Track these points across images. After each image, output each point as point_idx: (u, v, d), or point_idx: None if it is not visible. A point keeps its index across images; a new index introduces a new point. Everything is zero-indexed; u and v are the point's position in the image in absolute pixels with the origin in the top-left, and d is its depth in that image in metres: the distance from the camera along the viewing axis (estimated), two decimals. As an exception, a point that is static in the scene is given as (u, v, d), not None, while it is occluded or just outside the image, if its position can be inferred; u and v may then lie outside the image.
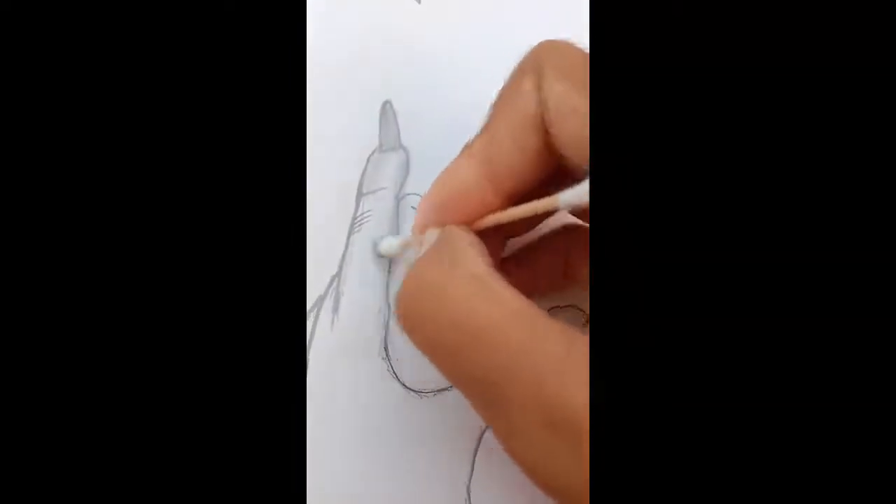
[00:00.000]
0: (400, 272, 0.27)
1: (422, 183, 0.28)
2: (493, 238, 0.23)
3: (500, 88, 0.22)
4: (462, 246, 0.20)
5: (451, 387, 0.27)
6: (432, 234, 0.22)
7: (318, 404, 0.25)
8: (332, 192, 0.27)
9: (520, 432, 0.16)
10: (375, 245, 0.26)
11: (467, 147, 0.22)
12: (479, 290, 0.18)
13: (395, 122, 0.28)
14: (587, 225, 0.21)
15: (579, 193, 0.18)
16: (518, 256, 0.25)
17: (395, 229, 0.27)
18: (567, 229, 0.25)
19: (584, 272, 0.24)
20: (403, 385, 0.26)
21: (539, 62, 0.20)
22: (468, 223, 0.22)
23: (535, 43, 0.21)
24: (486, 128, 0.21)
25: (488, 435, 0.27)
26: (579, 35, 0.27)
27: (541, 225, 0.25)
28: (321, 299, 0.26)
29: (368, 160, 0.28)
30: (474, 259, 0.19)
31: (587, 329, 0.17)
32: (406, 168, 0.28)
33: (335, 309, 0.26)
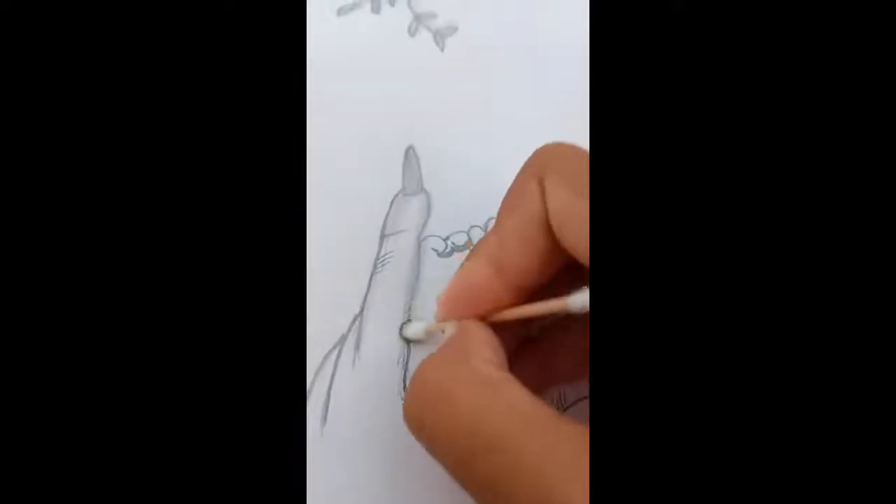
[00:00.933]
0: (419, 312, 0.28)
1: (442, 225, 0.28)
2: (512, 324, 0.23)
3: (506, 190, 0.22)
4: (473, 345, 0.20)
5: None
6: (451, 327, 0.22)
7: (338, 443, 0.26)
8: (356, 234, 0.28)
9: None
10: (401, 329, 0.27)
11: (478, 246, 0.23)
12: (489, 395, 0.18)
13: (417, 166, 0.29)
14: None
15: (588, 297, 0.19)
16: (542, 339, 0.25)
17: (416, 271, 0.28)
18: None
19: None
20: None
21: (543, 167, 0.21)
22: (484, 317, 0.22)
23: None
24: (495, 228, 0.22)
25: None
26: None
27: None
28: (343, 338, 0.27)
29: (392, 203, 0.28)
30: (484, 360, 0.19)
31: None
32: (427, 211, 0.28)
33: (357, 348, 0.27)
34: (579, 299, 0.19)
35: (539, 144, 0.27)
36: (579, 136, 0.28)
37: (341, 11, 0.31)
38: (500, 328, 0.22)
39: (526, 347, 0.25)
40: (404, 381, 0.27)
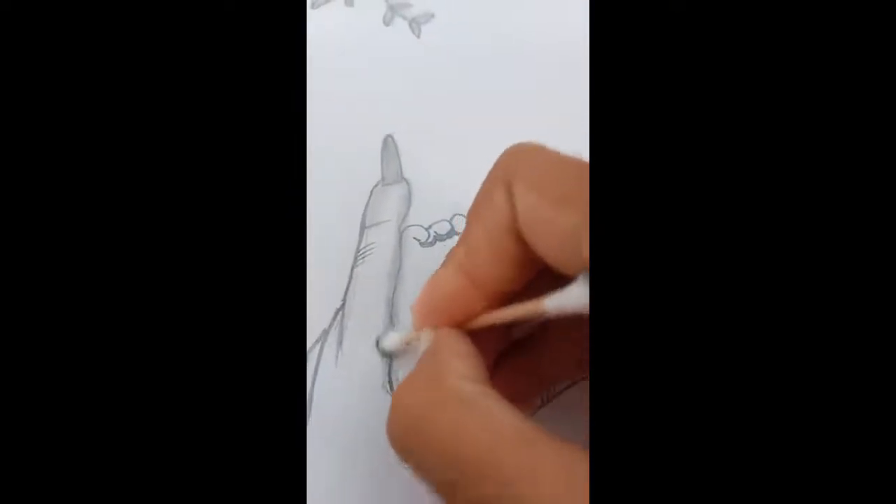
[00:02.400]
0: (403, 304, 0.27)
1: (424, 214, 0.28)
2: (492, 329, 0.23)
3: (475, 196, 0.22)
4: (447, 362, 0.19)
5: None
6: (427, 336, 0.22)
7: (323, 438, 0.25)
8: (336, 226, 0.27)
9: None
10: (377, 343, 0.26)
11: (448, 256, 0.22)
12: (466, 414, 0.17)
13: (396, 155, 0.28)
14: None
15: (565, 298, 0.18)
16: (525, 342, 0.24)
17: (399, 261, 0.27)
18: (583, 319, 0.24)
19: None
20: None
21: (509, 171, 0.20)
22: (460, 324, 0.22)
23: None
24: (464, 237, 0.22)
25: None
26: (577, 78, 0.27)
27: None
28: (325, 333, 0.26)
29: (371, 193, 0.28)
30: (459, 377, 0.19)
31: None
32: (408, 200, 0.28)
33: (339, 342, 0.26)
34: (555, 301, 0.18)
35: (517, 129, 0.26)
36: (557, 119, 0.28)
37: (314, 4, 0.31)
38: (480, 334, 0.22)
39: (510, 353, 0.24)
40: (389, 375, 0.26)
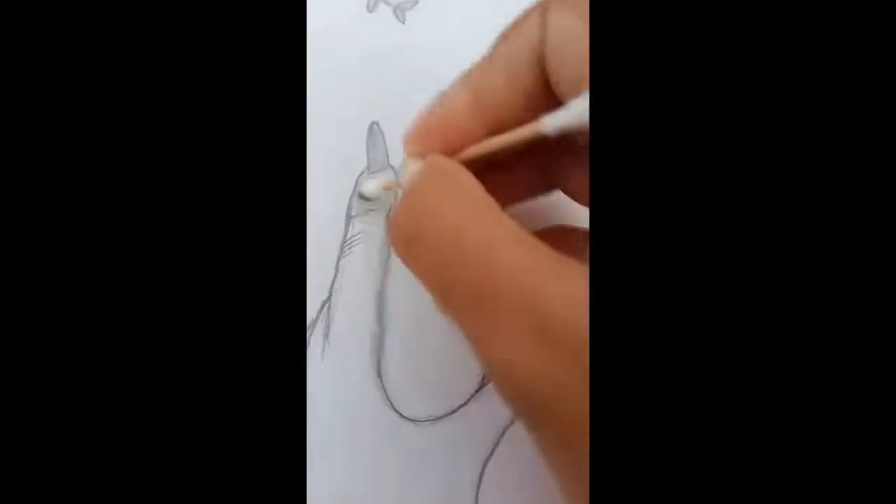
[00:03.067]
0: (392, 295, 0.26)
1: (412, 203, 0.27)
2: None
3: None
4: (460, 172, 0.20)
5: (447, 414, 0.26)
6: (413, 164, 0.21)
7: (311, 434, 0.24)
8: (321, 216, 0.26)
9: (505, 335, 0.16)
10: (358, 186, 0.25)
11: (463, 75, 0.21)
12: (480, 207, 0.18)
13: (382, 142, 0.27)
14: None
15: (564, 116, 0.18)
16: (493, 164, 0.24)
17: (386, 252, 0.26)
18: (563, 229, 0.24)
19: (569, 182, 0.24)
20: (399, 414, 0.25)
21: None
22: (450, 153, 0.21)
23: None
24: (485, 59, 0.21)
25: (491, 465, 0.26)
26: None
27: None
28: (311, 325, 0.25)
29: (357, 182, 0.27)
30: (472, 183, 0.19)
31: (585, 254, 0.16)
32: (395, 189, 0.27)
33: (326, 336, 0.25)
34: (550, 121, 0.18)
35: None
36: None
37: (296, -10, 0.30)
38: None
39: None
40: (378, 369, 0.25)
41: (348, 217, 0.27)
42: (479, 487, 0.26)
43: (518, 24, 0.20)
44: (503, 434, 0.26)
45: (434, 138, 0.21)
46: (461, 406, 0.26)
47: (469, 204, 0.18)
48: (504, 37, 0.21)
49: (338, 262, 0.26)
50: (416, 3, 0.29)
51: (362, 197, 0.25)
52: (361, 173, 0.27)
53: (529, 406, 0.16)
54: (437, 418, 0.25)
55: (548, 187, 0.24)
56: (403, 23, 0.29)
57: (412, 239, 0.19)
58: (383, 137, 0.27)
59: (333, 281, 0.26)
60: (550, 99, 0.20)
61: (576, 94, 0.18)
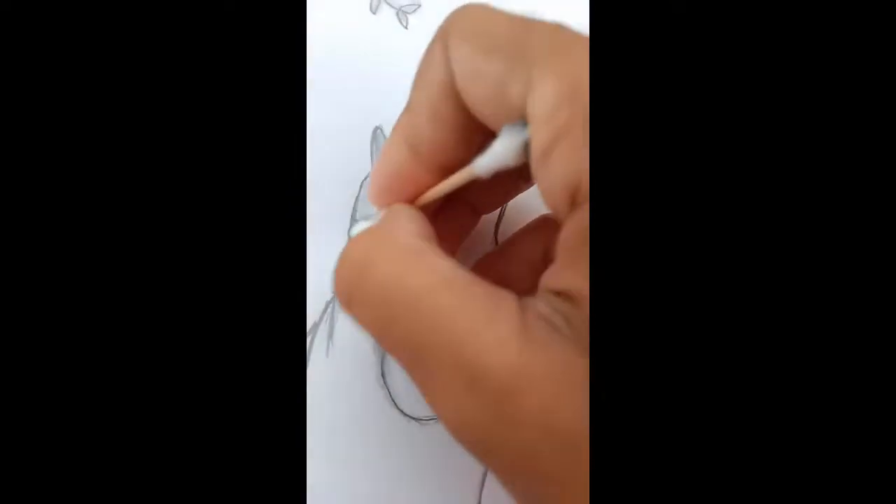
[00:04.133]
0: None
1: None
2: (459, 215, 0.24)
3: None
4: (397, 220, 0.20)
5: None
6: (379, 216, 0.22)
7: (315, 433, 0.24)
8: (326, 219, 0.26)
9: (442, 391, 0.16)
10: (350, 232, 0.26)
11: (393, 129, 0.22)
12: (409, 259, 0.18)
13: (386, 146, 0.28)
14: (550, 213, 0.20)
15: (492, 156, 0.18)
16: (501, 249, 0.25)
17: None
18: (546, 220, 0.25)
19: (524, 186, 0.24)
20: (402, 413, 0.25)
21: (447, 29, 0.20)
22: (412, 200, 0.22)
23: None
24: (407, 104, 0.21)
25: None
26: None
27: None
28: (316, 326, 0.26)
29: (361, 186, 0.27)
30: (407, 231, 0.19)
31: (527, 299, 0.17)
32: (398, 191, 0.27)
33: (330, 336, 0.26)
34: (482, 162, 0.18)
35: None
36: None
37: (301, -5, 0.30)
38: (442, 219, 0.22)
39: (484, 261, 0.25)
40: (381, 367, 0.26)
41: (352, 221, 0.27)
42: (482, 487, 0.26)
43: (425, 67, 0.20)
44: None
45: (389, 192, 0.22)
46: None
47: (396, 257, 0.18)
48: (416, 81, 0.21)
49: (342, 263, 0.26)
50: (419, 6, 0.30)
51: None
52: (366, 178, 0.27)
53: (471, 450, 0.17)
54: (441, 418, 0.26)
55: (519, 189, 0.25)
56: (406, 27, 0.29)
57: (348, 301, 0.19)
58: (386, 141, 0.28)
59: (338, 282, 0.26)
60: (481, 126, 0.19)
61: (491, 113, 0.18)
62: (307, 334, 0.25)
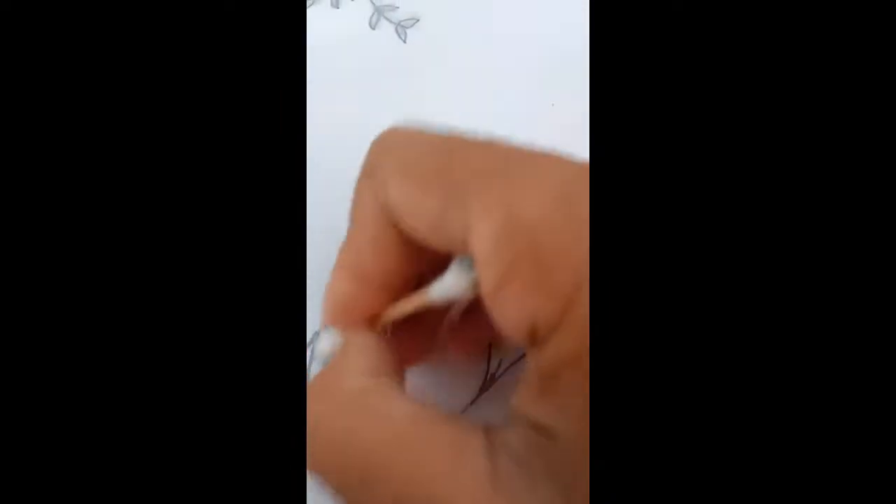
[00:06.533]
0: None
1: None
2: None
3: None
4: (346, 359, 0.19)
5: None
6: (336, 340, 0.21)
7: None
8: (326, 233, 0.27)
9: None
10: (313, 349, 0.25)
11: (337, 258, 0.21)
12: (357, 412, 0.17)
13: (384, 159, 0.28)
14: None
15: (444, 288, 0.18)
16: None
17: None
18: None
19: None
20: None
21: (373, 160, 0.20)
22: (371, 322, 0.21)
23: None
24: (347, 238, 0.21)
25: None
26: (567, 81, 0.27)
27: None
28: (317, 335, 0.26)
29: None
30: (357, 370, 0.18)
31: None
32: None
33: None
34: (436, 293, 0.18)
35: (506, 133, 0.26)
36: (547, 123, 0.28)
37: (300, 7, 0.31)
38: (407, 326, 0.21)
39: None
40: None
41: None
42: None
43: (359, 200, 0.20)
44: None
45: (343, 316, 0.21)
46: (465, 408, 0.27)
47: (345, 410, 0.17)
48: (353, 213, 0.20)
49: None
50: (418, 21, 0.30)
51: (317, 357, 0.25)
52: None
53: None
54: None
55: None
56: (405, 41, 0.30)
57: (310, 464, 0.18)
58: (385, 154, 0.28)
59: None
60: (427, 247, 0.19)
61: (436, 243, 0.18)
62: (308, 343, 0.26)
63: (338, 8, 0.30)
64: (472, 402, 0.27)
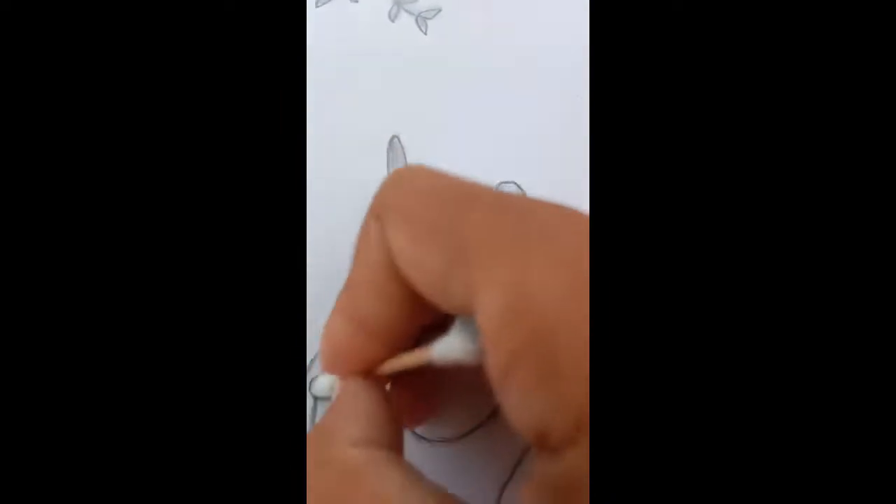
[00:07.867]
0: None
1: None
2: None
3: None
4: (337, 425, 0.18)
5: (464, 435, 0.25)
6: (335, 383, 0.21)
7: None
8: (339, 231, 0.26)
9: None
10: (309, 386, 0.25)
11: (337, 302, 0.20)
12: (347, 488, 0.16)
13: (403, 156, 0.27)
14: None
15: (447, 350, 0.17)
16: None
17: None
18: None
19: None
20: (413, 432, 0.25)
21: (382, 206, 0.19)
22: (369, 371, 0.20)
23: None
24: (348, 280, 0.20)
25: (511, 490, 0.25)
26: (586, 76, 0.26)
27: None
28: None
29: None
30: (349, 442, 0.18)
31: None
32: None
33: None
34: (438, 352, 0.17)
35: (527, 128, 0.25)
36: (565, 115, 0.27)
37: (319, 2, 0.30)
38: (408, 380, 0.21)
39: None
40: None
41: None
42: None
43: (362, 239, 0.19)
44: (522, 457, 0.25)
45: (339, 364, 0.20)
46: (478, 426, 0.25)
47: (333, 482, 0.17)
48: (356, 258, 0.20)
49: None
50: (439, 12, 0.29)
51: (314, 397, 0.25)
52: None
53: None
54: (454, 439, 0.25)
55: None
56: (426, 34, 0.29)
57: None
58: (403, 151, 0.27)
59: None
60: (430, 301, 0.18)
61: (438, 300, 0.17)
62: (314, 359, 0.25)
63: (356, 2, 0.29)
64: (493, 413, 0.25)
